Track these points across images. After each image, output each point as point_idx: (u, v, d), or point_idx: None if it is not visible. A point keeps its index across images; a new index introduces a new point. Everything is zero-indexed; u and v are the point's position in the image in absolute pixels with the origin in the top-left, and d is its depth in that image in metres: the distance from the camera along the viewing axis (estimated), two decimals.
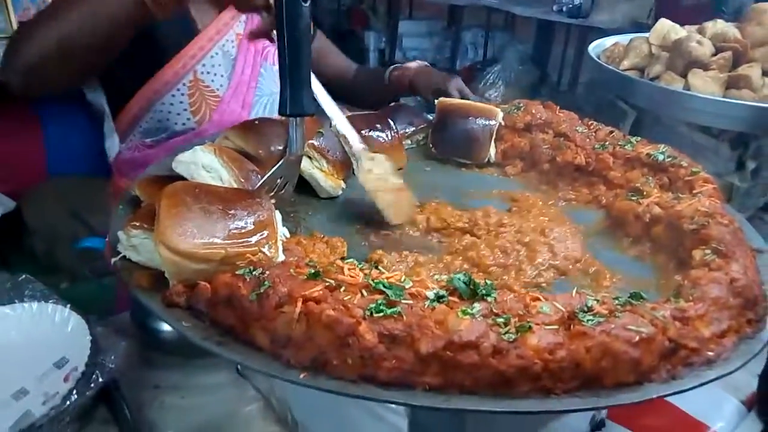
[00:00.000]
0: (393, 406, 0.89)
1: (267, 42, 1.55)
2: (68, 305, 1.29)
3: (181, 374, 1.31)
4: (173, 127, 1.49)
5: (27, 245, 3.42)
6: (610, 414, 1.24)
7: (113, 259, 0.87)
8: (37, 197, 3.57)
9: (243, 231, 0.84)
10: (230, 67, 1.51)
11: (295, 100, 0.95)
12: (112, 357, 1.20)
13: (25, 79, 1.18)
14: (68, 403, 1.10)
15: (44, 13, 1.14)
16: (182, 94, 1.46)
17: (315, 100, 1.00)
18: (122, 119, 1.53)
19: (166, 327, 1.32)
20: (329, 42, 1.90)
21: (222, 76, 1.50)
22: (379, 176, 1.17)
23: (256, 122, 1.29)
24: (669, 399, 1.26)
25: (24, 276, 1.35)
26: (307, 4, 0.93)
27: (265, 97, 1.58)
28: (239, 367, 1.30)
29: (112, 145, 3.61)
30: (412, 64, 1.75)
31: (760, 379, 1.22)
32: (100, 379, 1.15)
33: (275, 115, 1.17)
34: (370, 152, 1.21)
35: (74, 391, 1.12)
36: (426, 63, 1.78)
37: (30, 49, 1.12)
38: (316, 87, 1.17)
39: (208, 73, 1.48)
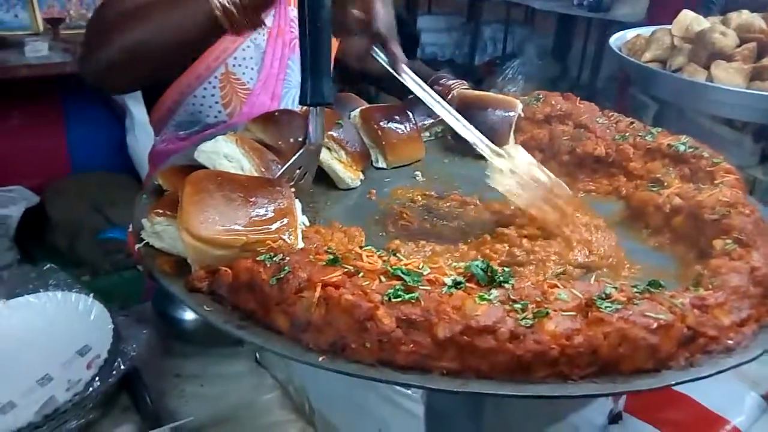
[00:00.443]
0: (410, 393, 0.90)
1: (294, 34, 1.56)
2: (91, 294, 1.31)
3: (200, 363, 1.33)
4: (205, 120, 1.51)
5: (50, 239, 3.49)
6: (627, 407, 1.23)
7: (137, 246, 0.89)
8: (60, 192, 3.64)
9: (264, 218, 0.85)
10: (260, 60, 1.52)
11: (315, 89, 0.96)
12: (134, 345, 1.22)
13: (99, 78, 1.22)
14: (91, 389, 1.12)
15: (120, 19, 1.17)
16: (214, 87, 1.49)
17: (334, 89, 0.99)
18: (156, 112, 1.56)
19: (186, 316, 1.34)
20: None
21: (252, 69, 1.51)
22: (514, 175, 1.09)
23: (276, 114, 1.30)
24: (688, 393, 1.25)
25: (48, 266, 1.38)
26: None
27: (293, 89, 1.59)
28: (258, 356, 1.32)
29: (133, 140, 3.67)
30: (454, 85, 1.58)
31: None
32: (122, 367, 1.17)
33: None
34: (499, 149, 1.13)
35: (97, 378, 1.14)
36: (466, 84, 1.61)
37: (104, 52, 1.16)
38: (420, 87, 1.16)
39: (239, 66, 1.49)
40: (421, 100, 1.51)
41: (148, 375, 1.25)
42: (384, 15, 1.11)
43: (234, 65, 1.49)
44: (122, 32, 1.14)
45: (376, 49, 1.14)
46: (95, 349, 1.21)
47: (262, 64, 1.53)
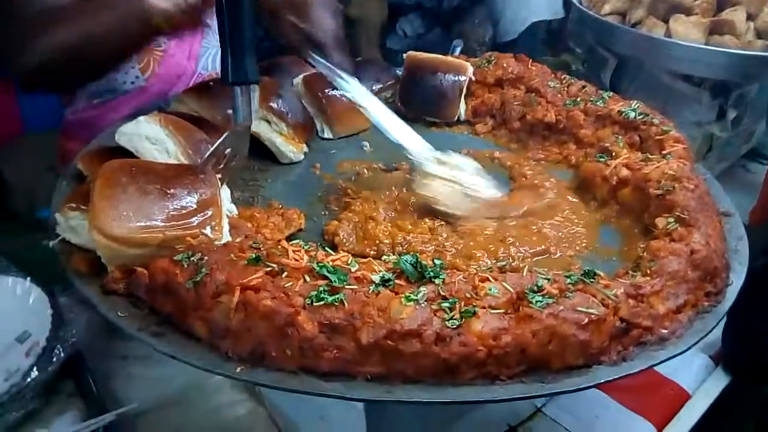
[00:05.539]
0: None
1: None
2: (28, 278, 1.26)
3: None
4: (122, 87, 1.42)
5: (9, 203, 3.37)
6: None
7: (51, 243, 0.84)
8: (15, 154, 3.50)
9: (184, 211, 0.79)
10: None
11: (237, 67, 0.89)
12: (73, 331, 1.18)
13: (33, 79, 1.19)
14: (29, 379, 1.08)
15: (52, 19, 1.11)
16: None
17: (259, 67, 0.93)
18: None
19: None
20: None
21: None
22: (448, 178, 1.02)
23: (212, 84, 1.23)
24: None
25: None
26: None
27: (213, 48, 1.50)
28: None
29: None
30: None
31: (723, 334, 1.21)
32: (62, 354, 1.14)
33: None
34: (438, 155, 1.06)
35: (35, 368, 1.10)
36: None
37: (37, 53, 1.10)
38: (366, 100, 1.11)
39: None
40: (370, 65, 1.45)
41: (92, 358, 1.21)
42: (324, 23, 1.07)
43: None
44: (50, 34, 1.09)
45: (313, 55, 1.10)
46: (35, 335, 1.16)
47: None
